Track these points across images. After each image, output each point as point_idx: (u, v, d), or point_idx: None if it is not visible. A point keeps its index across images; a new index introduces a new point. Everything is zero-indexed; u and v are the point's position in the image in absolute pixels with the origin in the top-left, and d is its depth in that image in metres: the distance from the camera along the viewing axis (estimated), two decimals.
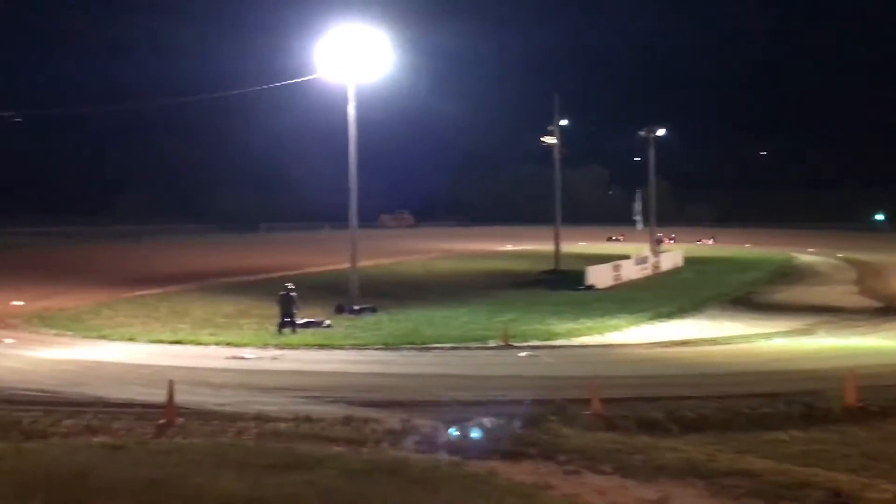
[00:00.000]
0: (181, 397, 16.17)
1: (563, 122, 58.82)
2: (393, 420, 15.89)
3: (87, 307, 37.15)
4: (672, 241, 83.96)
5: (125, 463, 12.08)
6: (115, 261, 62.00)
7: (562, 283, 46.83)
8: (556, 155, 58.24)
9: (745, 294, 43.61)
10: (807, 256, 70.44)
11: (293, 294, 31.03)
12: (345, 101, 37.01)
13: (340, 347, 27.52)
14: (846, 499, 11.48)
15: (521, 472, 12.66)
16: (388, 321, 33.49)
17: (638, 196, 63.92)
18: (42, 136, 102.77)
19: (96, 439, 14.18)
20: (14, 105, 64.10)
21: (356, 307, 35.74)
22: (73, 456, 12.54)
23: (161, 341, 28.70)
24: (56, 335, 30.19)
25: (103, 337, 29.60)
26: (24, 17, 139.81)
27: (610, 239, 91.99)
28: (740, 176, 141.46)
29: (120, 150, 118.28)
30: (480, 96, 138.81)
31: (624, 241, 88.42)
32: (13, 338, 29.05)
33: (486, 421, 13.19)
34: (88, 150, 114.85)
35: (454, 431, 10.87)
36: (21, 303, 37.64)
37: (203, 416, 16.13)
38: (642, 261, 55.95)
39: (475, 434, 11.15)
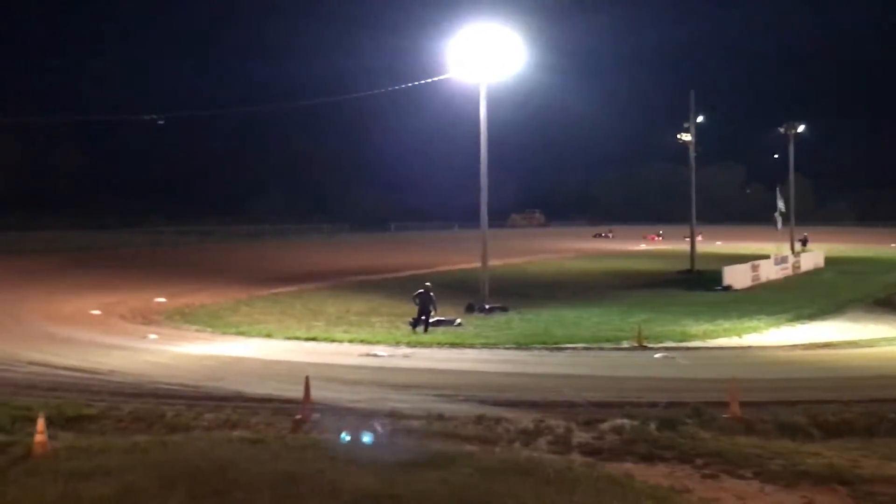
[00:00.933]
0: (316, 393, 16.41)
1: (700, 119, 57.63)
2: (525, 420, 15.79)
3: (225, 304, 38.24)
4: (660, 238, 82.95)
5: (264, 457, 12.30)
6: (251, 259, 63.64)
7: (698, 284, 46.00)
8: (692, 152, 57.12)
9: (889, 295, 41.90)
10: None
11: (432, 293, 31.25)
12: (476, 100, 37.10)
13: (471, 346, 27.57)
14: None
15: (657, 475, 12.40)
16: (519, 321, 33.41)
17: (779, 194, 62.33)
18: (183, 138, 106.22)
19: (236, 433, 14.49)
20: (157, 108, 66.42)
21: (487, 306, 35.79)
22: (215, 449, 12.83)
23: (296, 338, 29.30)
24: (196, 331, 31.14)
25: (241, 333, 30.39)
26: (164, 23, 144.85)
27: (598, 236, 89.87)
28: (884, 173, 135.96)
29: (256, 152, 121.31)
30: (613, 93, 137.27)
31: (613, 237, 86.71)
32: (156, 333, 30.08)
33: (379, 426, 12.37)
34: (226, 152, 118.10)
35: (345, 437, 10.40)
36: (163, 299, 38.97)
37: (338, 412, 16.33)
38: (782, 261, 54.36)
39: (366, 439, 10.63)
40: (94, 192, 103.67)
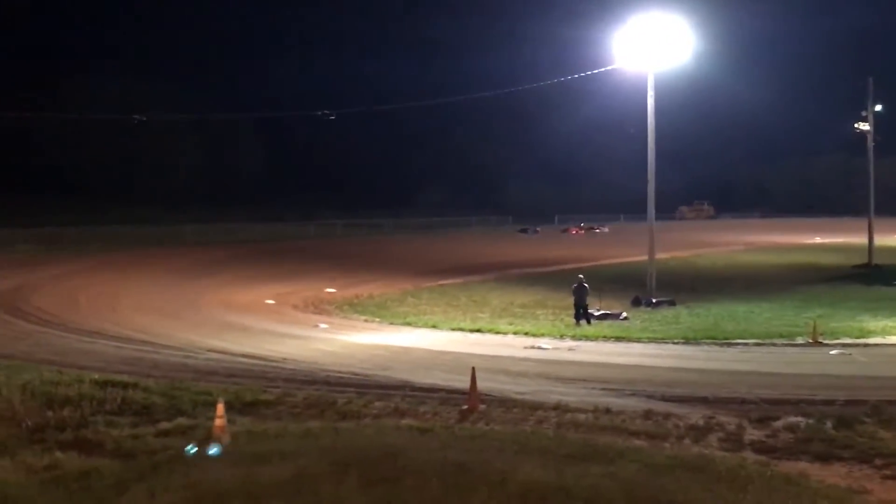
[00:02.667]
0: (481, 384, 16.51)
1: (878, 108, 55.01)
2: (695, 416, 15.48)
3: (393, 295, 38.98)
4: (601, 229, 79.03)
5: (432, 445, 12.46)
6: (418, 251, 64.60)
7: (876, 279, 44.04)
8: (870, 142, 54.62)
9: None
10: None
11: (585, 285, 31.04)
12: (642, 90, 36.55)
13: (638, 340, 27.21)
14: None
15: (834, 475, 11.95)
16: (687, 315, 32.78)
17: None
18: (354, 133, 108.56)
19: (404, 421, 14.73)
20: (328, 104, 68.17)
21: (654, 300, 35.28)
22: (384, 437, 13.09)
23: (462, 329, 29.61)
24: (365, 321, 31.88)
25: (408, 324, 30.93)
26: (336, 22, 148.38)
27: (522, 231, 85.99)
28: None
29: (423, 146, 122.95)
30: (785, 81, 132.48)
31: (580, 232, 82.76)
32: (327, 322, 30.93)
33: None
34: (395, 145, 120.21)
35: (191, 448, 9.96)
36: (333, 290, 40.04)
37: (504, 403, 16.39)
38: None
39: (214, 451, 10.13)
40: (272, 186, 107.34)
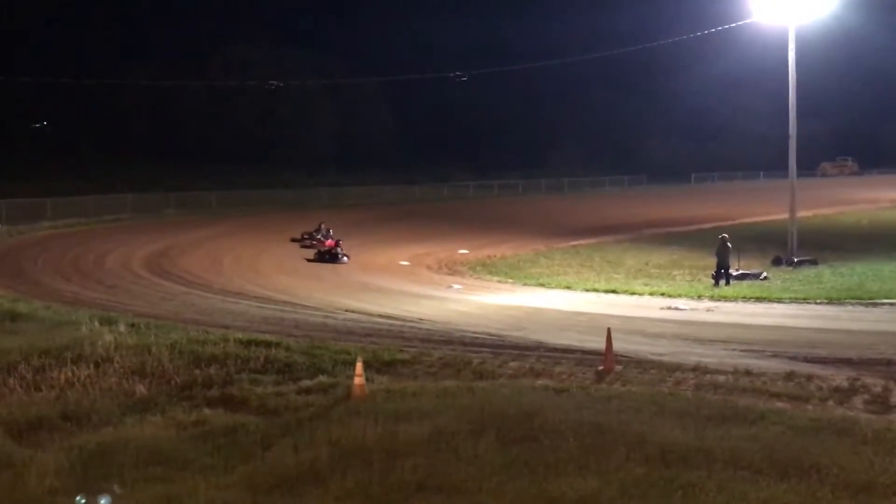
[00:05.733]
0: (617, 345, 16.39)
1: None
2: (839, 378, 15.04)
3: (525, 256, 39.01)
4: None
5: (569, 406, 12.48)
6: (550, 212, 64.29)
7: None
8: None
9: None
10: None
11: (729, 244, 30.40)
12: (783, 44, 35.33)
13: (779, 301, 26.56)
14: None
15: None
16: (830, 274, 31.81)
17: None
18: (484, 94, 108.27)
19: (540, 382, 14.77)
20: (459, 65, 68.29)
21: (795, 259, 34.34)
22: (520, 396, 13.16)
23: (596, 290, 29.44)
24: (498, 282, 32.01)
25: (541, 285, 30.91)
26: None
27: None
28: None
29: (554, 105, 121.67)
30: None
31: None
32: (461, 283, 31.19)
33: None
34: (526, 105, 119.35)
35: (80, 500, 9.41)
36: (466, 251, 40.30)
37: (640, 364, 16.25)
38: None
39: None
40: (404, 149, 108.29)
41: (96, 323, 19.09)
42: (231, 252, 38.89)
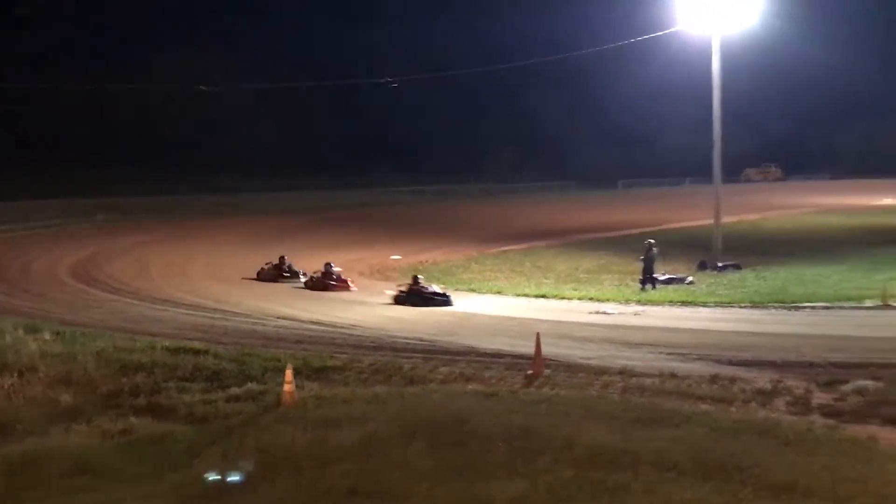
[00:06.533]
0: (546, 349, 16.56)
1: None
2: (762, 380, 15.39)
3: (457, 262, 39.11)
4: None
5: (498, 410, 12.60)
6: (482, 218, 64.59)
7: None
8: None
9: None
10: None
11: (655, 249, 30.86)
12: (708, 53, 35.97)
13: (704, 304, 27.01)
14: None
15: None
16: (754, 278, 32.44)
17: None
18: (418, 101, 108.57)
19: (470, 387, 14.88)
20: (393, 71, 68.27)
21: (720, 264, 34.92)
22: (451, 402, 13.25)
23: (526, 295, 29.63)
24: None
25: (473, 290, 31.03)
26: None
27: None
28: None
29: (488, 112, 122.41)
30: (856, 40, 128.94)
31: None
32: (394, 289, 31.13)
33: None
34: (458, 113, 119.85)
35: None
36: (398, 257, 40.30)
37: (569, 368, 16.45)
38: None
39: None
40: (339, 154, 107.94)
41: (20, 331, 18.74)
42: (160, 258, 38.39)
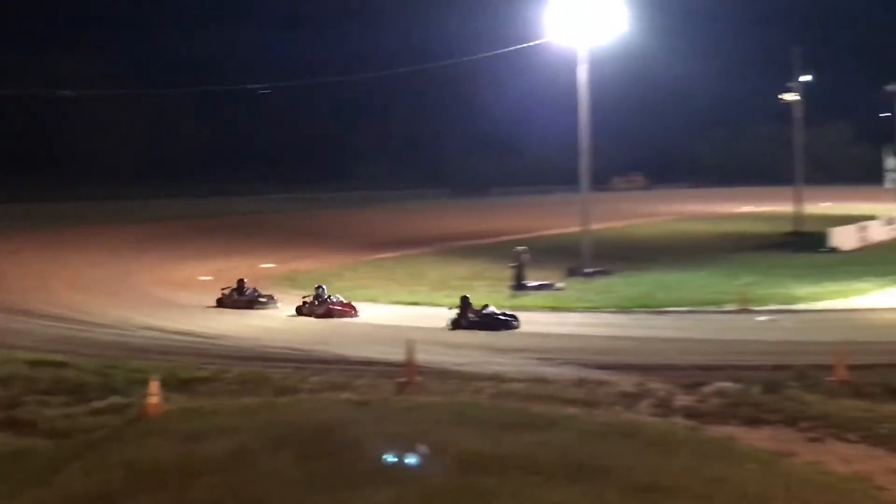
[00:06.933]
0: (420, 356, 16.57)
1: (807, 78, 55.96)
2: (627, 383, 15.74)
3: (331, 269, 38.90)
4: None
5: (369, 418, 12.54)
6: (356, 225, 64.44)
7: (803, 246, 44.87)
8: (797, 112, 55.63)
9: None
10: None
11: (524, 256, 31.31)
12: (575, 63, 36.69)
13: (573, 310, 27.54)
14: None
15: (761, 439, 12.24)
16: (621, 284, 33.22)
17: (888, 153, 60.52)
18: (291, 108, 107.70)
19: (341, 395, 14.75)
20: (263, 78, 67.54)
21: (588, 270, 35.62)
22: (321, 411, 13.13)
23: (400, 302, 29.73)
24: (303, 296, 31.74)
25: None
26: None
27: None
28: None
29: (362, 119, 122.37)
30: (717, 53, 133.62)
31: None
32: (265, 298, 30.73)
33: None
34: (332, 120, 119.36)
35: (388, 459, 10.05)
36: (272, 265, 39.88)
37: (441, 374, 16.51)
38: (891, 221, 52.66)
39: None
40: (210, 161, 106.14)
41: None
42: (19, 268, 37.04)
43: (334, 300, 27.61)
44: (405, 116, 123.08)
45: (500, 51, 48.55)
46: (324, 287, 28.27)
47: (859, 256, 41.22)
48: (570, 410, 13.67)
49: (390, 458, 10.41)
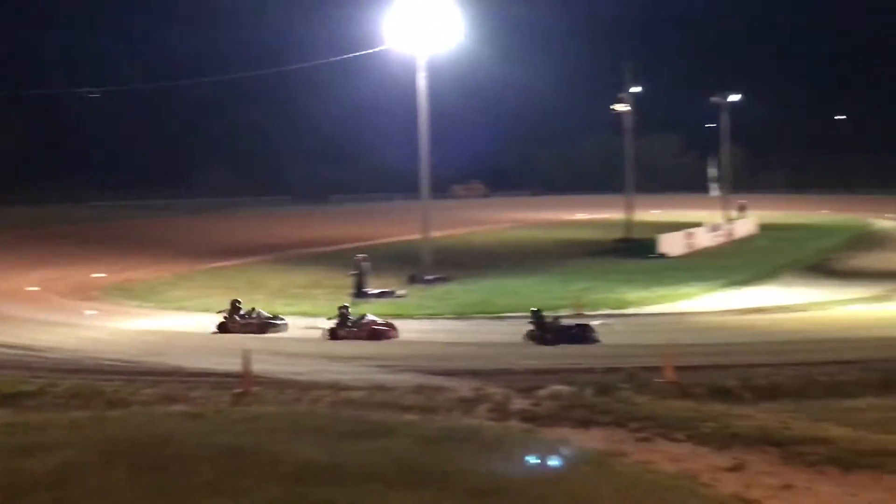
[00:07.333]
0: (258, 366, 16.42)
1: (636, 89, 58.00)
2: (465, 388, 15.96)
3: (166, 279, 37.99)
4: None
5: (203, 430, 12.32)
6: (192, 233, 63.08)
7: (634, 252, 46.40)
8: (627, 123, 57.62)
9: (822, 261, 42.80)
10: (885, 222, 68.37)
11: (364, 264, 31.36)
12: (415, 71, 36.98)
13: (413, 317, 27.73)
14: None
15: (593, 440, 12.63)
16: (461, 291, 33.66)
17: (713, 163, 63.64)
18: (124, 113, 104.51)
19: (175, 408, 14.47)
20: (92, 81, 65.36)
21: (428, 277, 35.95)
22: (154, 424, 12.82)
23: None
24: (137, 306, 30.96)
25: (182, 308, 30.30)
26: None
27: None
28: (816, 141, 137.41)
29: (196, 126, 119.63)
30: (552, 64, 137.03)
31: None
32: (95, 309, 29.85)
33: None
34: (167, 126, 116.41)
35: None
36: (103, 275, 38.62)
37: (279, 384, 16.38)
38: (716, 228, 55.20)
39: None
40: (33, 167, 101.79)
41: None
42: None
43: (373, 320, 24.57)
44: (245, 123, 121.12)
45: (340, 57, 48.61)
46: (347, 306, 25.49)
47: (686, 262, 43.00)
48: (409, 417, 13.76)
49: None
